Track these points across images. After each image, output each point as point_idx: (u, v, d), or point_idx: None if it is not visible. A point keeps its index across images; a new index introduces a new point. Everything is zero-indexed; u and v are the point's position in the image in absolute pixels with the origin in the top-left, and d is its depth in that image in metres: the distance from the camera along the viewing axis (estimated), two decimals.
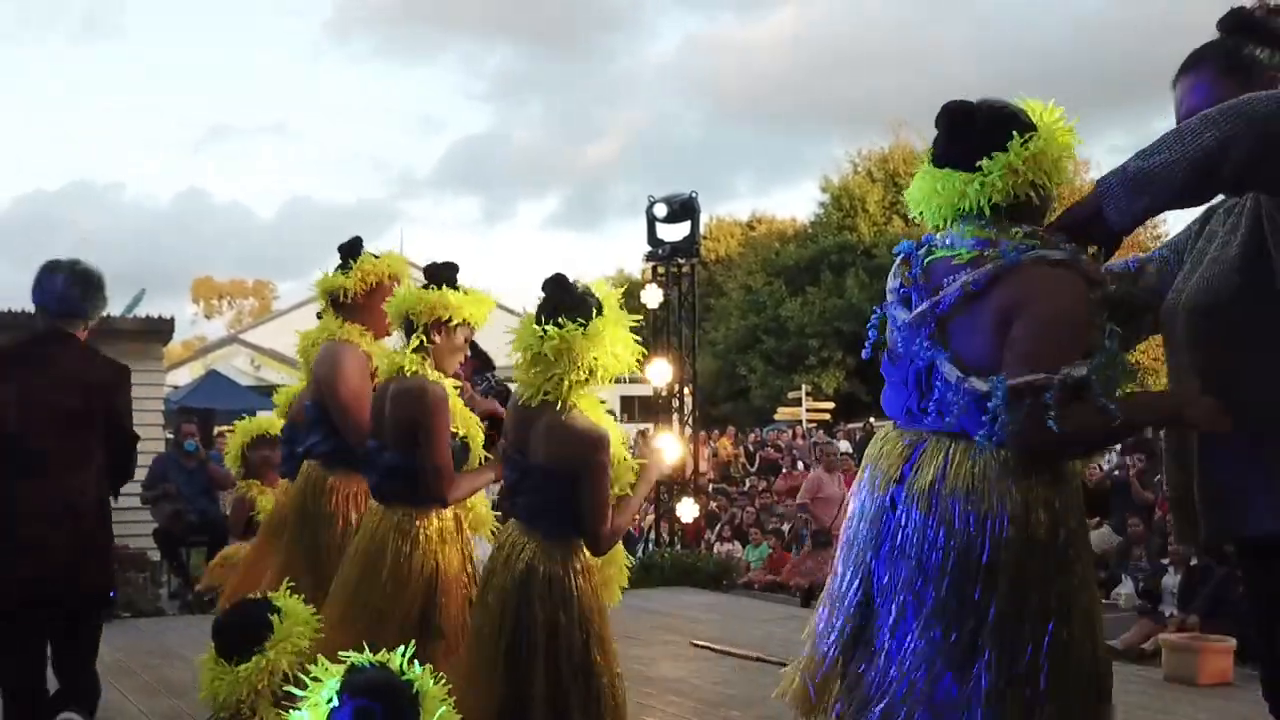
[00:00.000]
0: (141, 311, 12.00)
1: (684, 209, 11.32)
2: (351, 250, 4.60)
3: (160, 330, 11.23)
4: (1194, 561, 9.94)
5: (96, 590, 4.34)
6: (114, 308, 9.17)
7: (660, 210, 11.33)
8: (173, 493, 10.37)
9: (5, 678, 4.27)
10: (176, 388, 21.85)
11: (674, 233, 11.47)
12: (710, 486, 16.23)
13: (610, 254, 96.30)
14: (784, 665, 2.72)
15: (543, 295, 3.44)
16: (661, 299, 11.58)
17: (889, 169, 35.75)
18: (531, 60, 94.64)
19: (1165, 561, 10.54)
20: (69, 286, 4.25)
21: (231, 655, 3.04)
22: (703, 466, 13.72)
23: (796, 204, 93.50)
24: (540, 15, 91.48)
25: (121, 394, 4.39)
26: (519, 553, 3.35)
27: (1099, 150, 71.87)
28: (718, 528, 14.51)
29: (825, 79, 69.48)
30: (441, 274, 3.99)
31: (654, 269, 11.81)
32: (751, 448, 22.04)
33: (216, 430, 15.01)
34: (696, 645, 7.53)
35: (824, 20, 74.12)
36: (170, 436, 12.02)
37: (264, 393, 17.19)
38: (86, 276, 4.32)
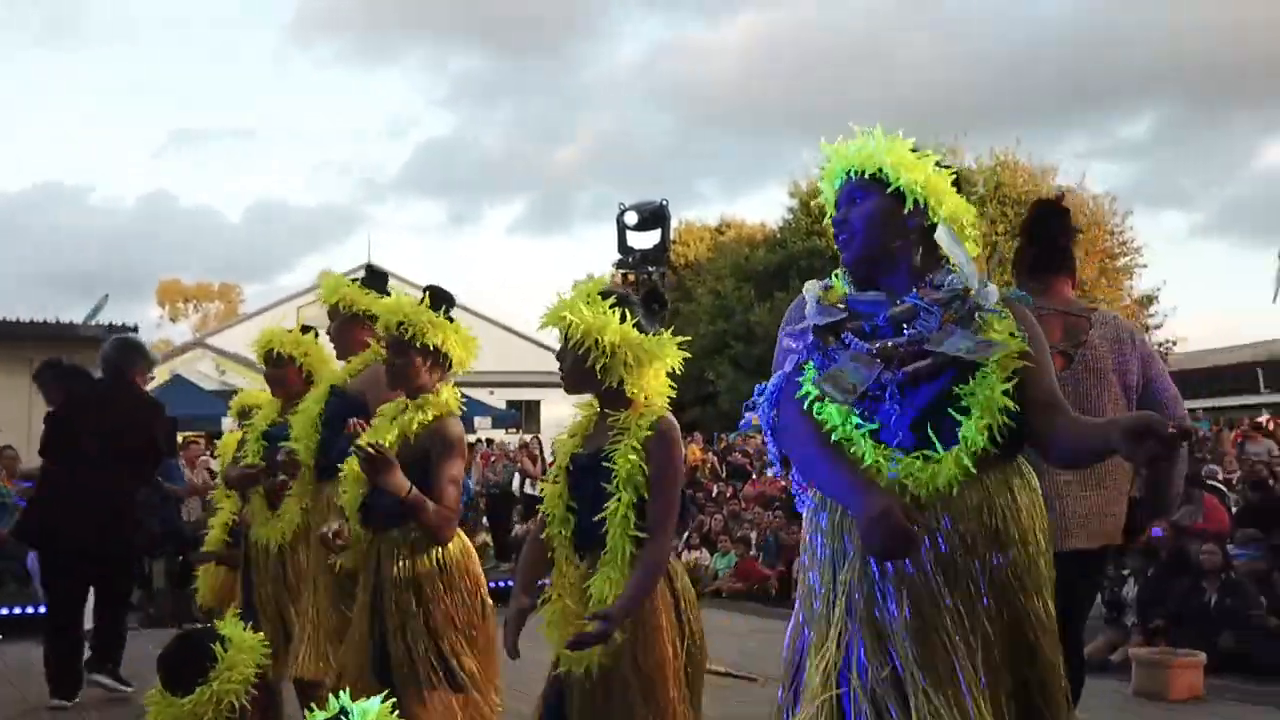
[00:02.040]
0: (105, 316, 11.85)
1: (654, 217, 11.23)
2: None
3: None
4: (1151, 572, 10.00)
5: (118, 554, 6.89)
6: (77, 314, 9.21)
7: (631, 218, 11.24)
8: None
9: (55, 614, 6.64)
10: None
11: (644, 240, 11.39)
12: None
13: (578, 258, 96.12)
14: (754, 680, 2.71)
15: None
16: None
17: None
18: (496, 64, 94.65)
19: (1125, 573, 10.59)
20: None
21: (177, 688, 2.96)
22: None
23: (764, 209, 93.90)
24: (503, 19, 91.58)
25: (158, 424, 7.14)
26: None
27: (1061, 156, 72.57)
28: (685, 535, 14.48)
29: (791, 84, 69.71)
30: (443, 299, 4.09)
31: (624, 277, 11.74)
32: (720, 453, 22.01)
33: (181, 437, 14.81)
34: None
35: (789, 27, 74.47)
36: None
37: (229, 398, 16.99)
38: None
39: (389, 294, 4.75)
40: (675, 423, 3.35)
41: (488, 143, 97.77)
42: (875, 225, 2.63)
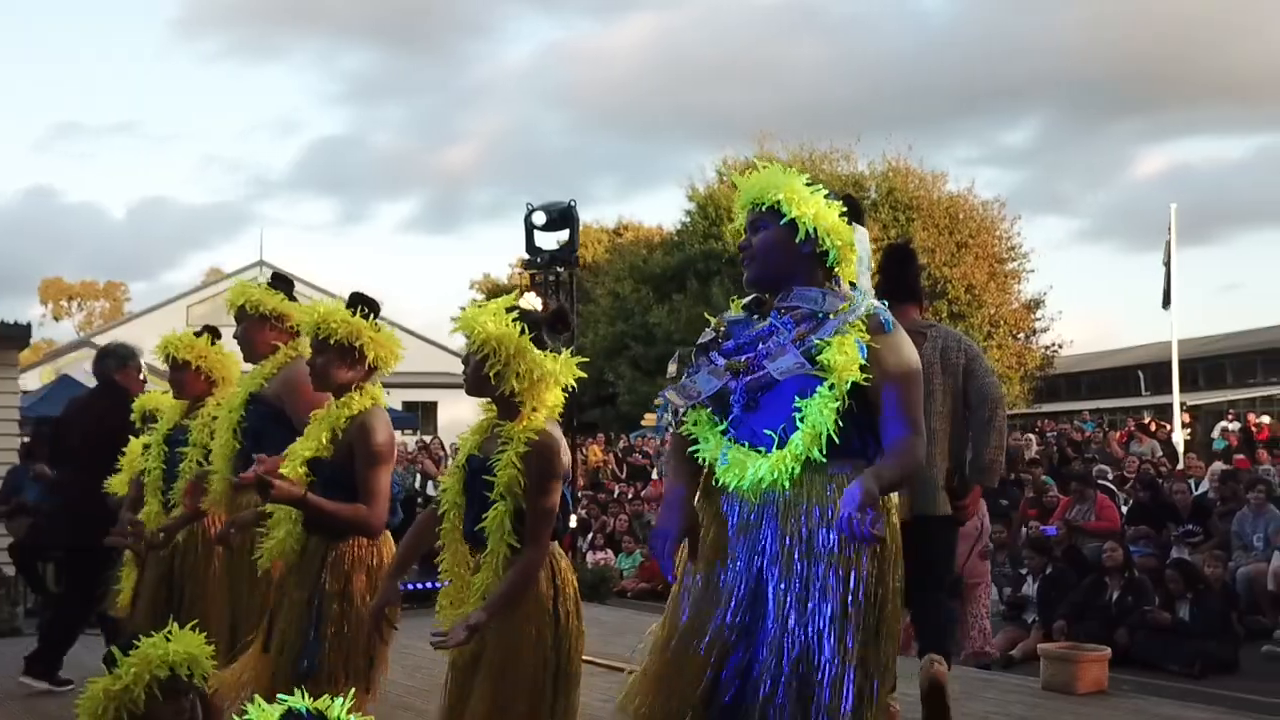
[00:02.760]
0: None
1: (562, 217, 11.25)
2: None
3: (14, 336, 10.76)
4: (1049, 570, 10.26)
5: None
6: None
7: (539, 218, 11.24)
8: (27, 506, 9.93)
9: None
10: (27, 392, 20.95)
11: (552, 240, 11.40)
12: (580, 494, 16.19)
13: (471, 258, 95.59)
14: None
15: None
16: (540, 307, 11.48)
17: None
18: (386, 62, 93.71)
19: (1024, 571, 10.85)
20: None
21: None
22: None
23: (659, 211, 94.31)
24: (394, 18, 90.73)
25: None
26: None
27: (948, 162, 74.15)
28: (590, 536, 14.48)
29: (684, 86, 70.07)
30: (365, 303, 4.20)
31: (532, 277, 11.73)
32: (620, 454, 22.06)
33: None
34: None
35: (682, 30, 74.85)
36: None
37: None
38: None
39: (295, 297, 4.91)
40: (556, 437, 3.56)
41: (379, 141, 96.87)
42: (772, 252, 3.07)
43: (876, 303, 3.00)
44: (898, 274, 5.46)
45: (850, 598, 2.86)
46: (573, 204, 11.21)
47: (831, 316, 2.95)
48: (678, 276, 34.38)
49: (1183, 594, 9.37)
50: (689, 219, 37.13)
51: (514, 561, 3.44)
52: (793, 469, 2.89)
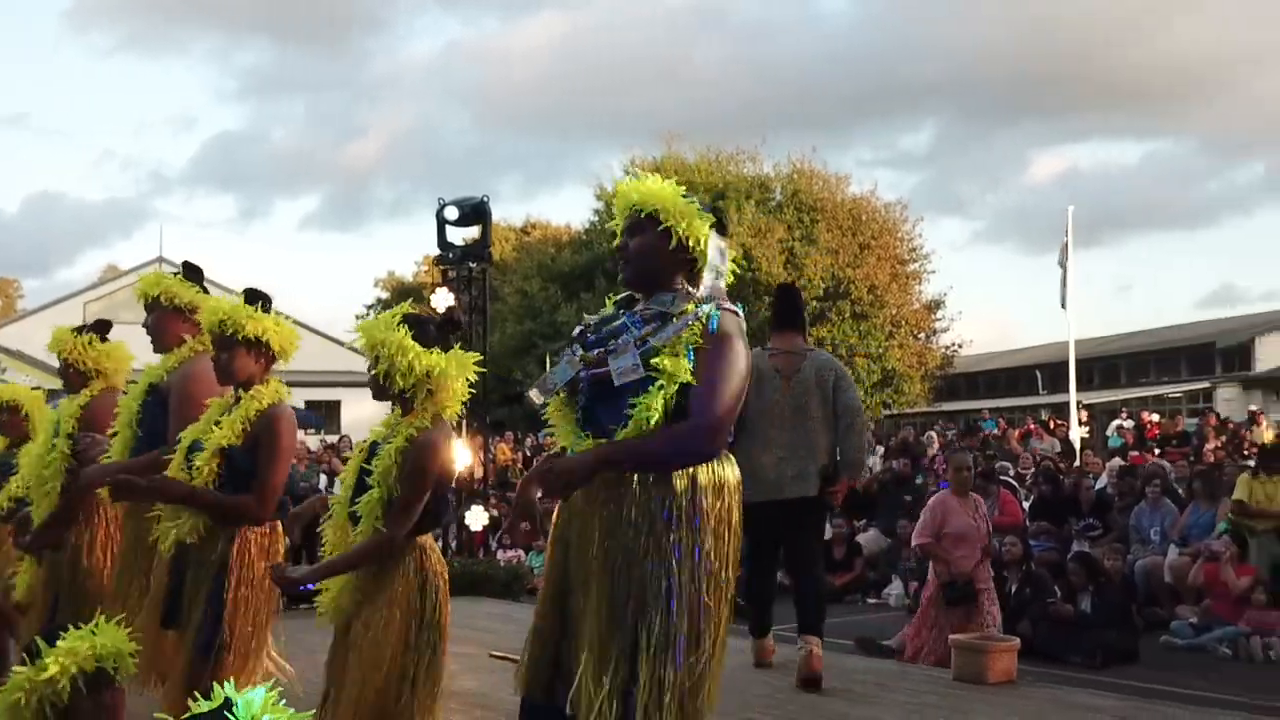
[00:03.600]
0: None
1: (475, 212, 11.20)
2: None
3: None
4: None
5: None
6: None
7: (451, 213, 11.17)
8: None
9: None
10: None
11: (465, 236, 11.33)
12: (489, 492, 16.11)
13: (373, 255, 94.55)
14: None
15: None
16: (452, 303, 11.41)
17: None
18: (286, 58, 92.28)
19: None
20: None
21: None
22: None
23: (565, 210, 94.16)
24: (292, 13, 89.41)
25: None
26: None
27: (850, 164, 75.14)
28: (499, 534, 14.40)
29: (589, 86, 70.06)
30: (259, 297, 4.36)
31: (444, 273, 11.64)
32: (530, 453, 21.97)
33: None
34: (495, 656, 7.41)
35: (586, 30, 74.78)
36: None
37: None
38: None
39: (206, 289, 5.01)
40: (437, 437, 3.84)
41: (278, 137, 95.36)
42: (646, 255, 3.29)
43: (714, 307, 3.20)
44: (786, 308, 6.88)
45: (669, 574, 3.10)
46: (485, 199, 11.15)
47: (675, 319, 3.17)
48: (586, 275, 34.41)
49: (1084, 587, 9.59)
50: (597, 218, 37.16)
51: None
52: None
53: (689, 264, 3.29)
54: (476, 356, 3.99)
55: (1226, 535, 10.45)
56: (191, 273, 5.05)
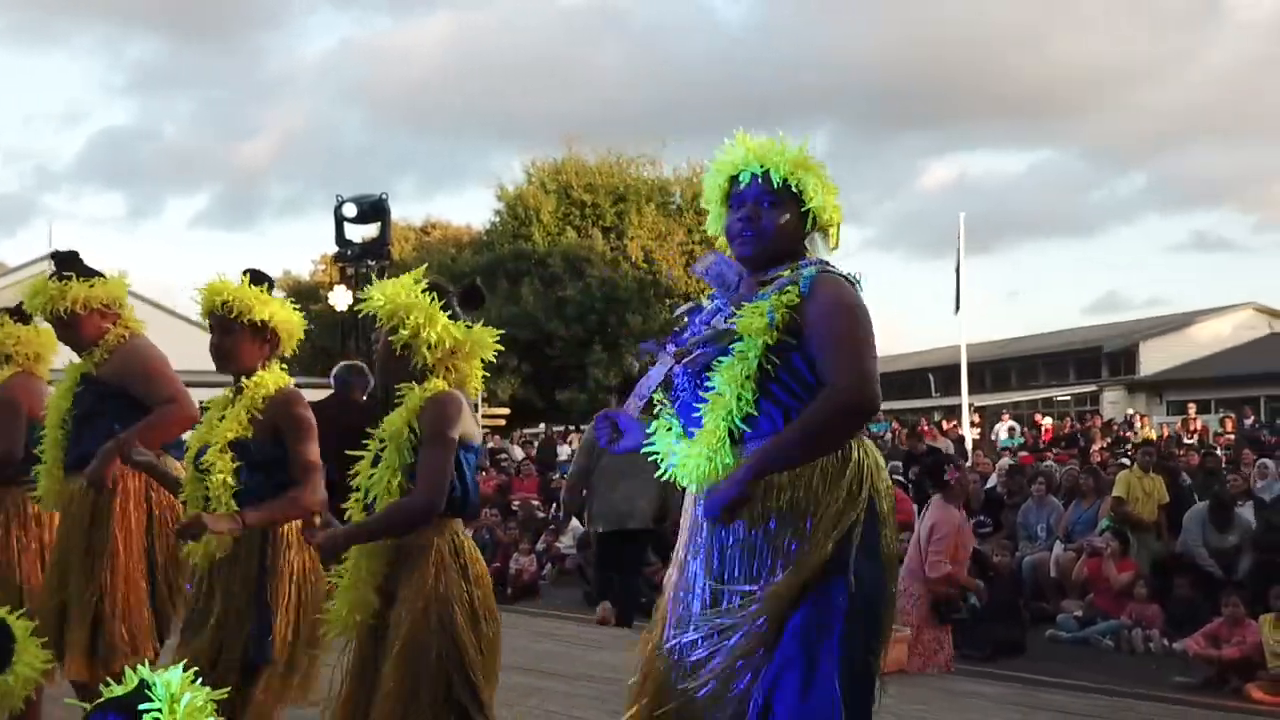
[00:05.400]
0: None
1: (374, 210, 11.13)
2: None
3: None
4: None
5: None
6: None
7: (349, 210, 11.09)
8: None
9: None
10: None
11: (363, 234, 11.25)
12: None
13: (270, 253, 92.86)
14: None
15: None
16: (351, 301, 11.33)
17: (562, 180, 36.23)
18: (175, 54, 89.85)
19: None
20: None
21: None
22: None
23: (463, 210, 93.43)
24: (181, 7, 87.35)
25: None
26: None
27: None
28: None
29: (486, 87, 69.50)
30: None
31: (342, 270, 11.55)
32: None
33: None
34: None
35: (482, 30, 74.10)
36: None
37: None
38: None
39: (89, 271, 4.65)
40: (456, 395, 3.48)
41: (169, 133, 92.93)
42: (784, 236, 2.87)
43: (814, 268, 2.84)
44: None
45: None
46: (384, 196, 11.08)
47: (770, 286, 2.82)
48: (487, 276, 34.24)
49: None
50: (498, 219, 37.04)
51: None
52: (713, 453, 2.73)
53: (808, 237, 2.93)
54: (497, 333, 3.62)
55: (1109, 532, 10.78)
56: (66, 265, 4.67)
